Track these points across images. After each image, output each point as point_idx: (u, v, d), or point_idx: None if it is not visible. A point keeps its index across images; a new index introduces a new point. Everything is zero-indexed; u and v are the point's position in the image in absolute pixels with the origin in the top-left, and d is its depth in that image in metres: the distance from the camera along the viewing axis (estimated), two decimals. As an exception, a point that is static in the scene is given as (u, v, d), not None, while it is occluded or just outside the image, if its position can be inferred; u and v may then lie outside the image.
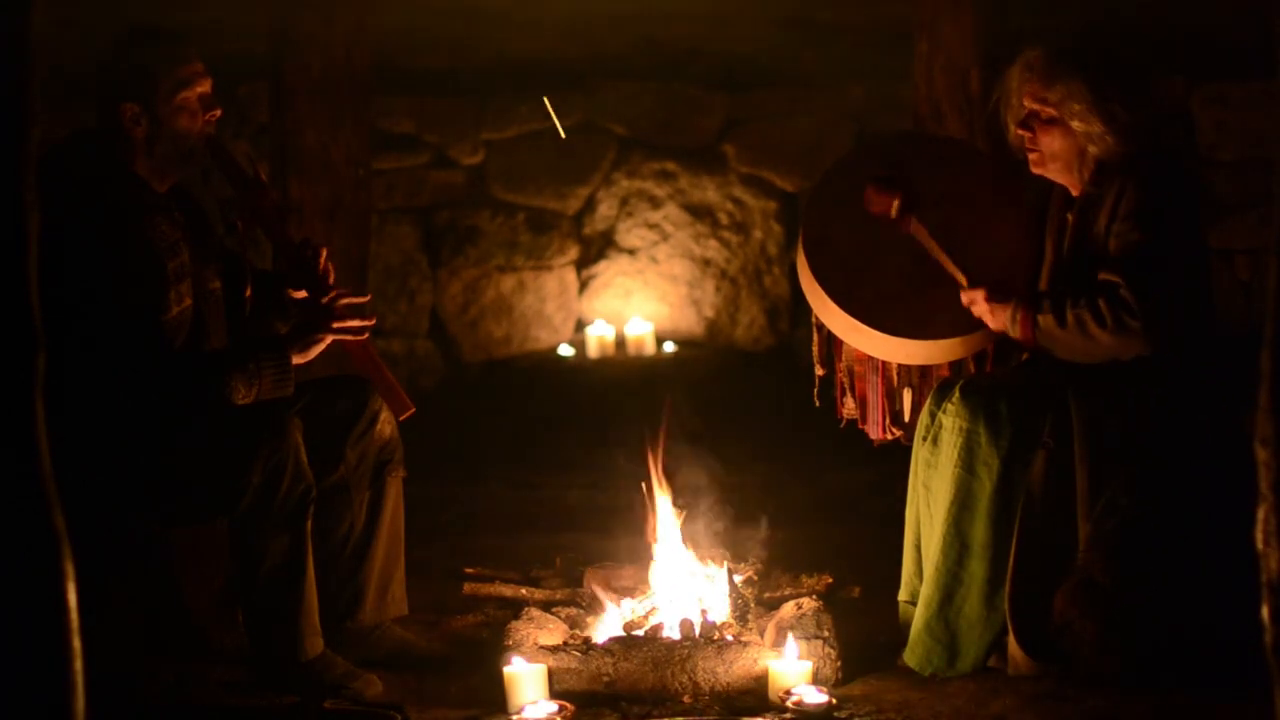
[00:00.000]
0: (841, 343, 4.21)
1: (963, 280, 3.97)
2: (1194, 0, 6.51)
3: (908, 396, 4.18)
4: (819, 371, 4.29)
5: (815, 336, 4.28)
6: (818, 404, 4.32)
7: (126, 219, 3.77)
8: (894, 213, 4.05)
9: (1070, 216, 4.00)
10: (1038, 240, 4.10)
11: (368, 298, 4.06)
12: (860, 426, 4.27)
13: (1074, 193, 4.00)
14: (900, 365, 4.17)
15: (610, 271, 7.78)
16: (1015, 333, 3.89)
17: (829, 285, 4.07)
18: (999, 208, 4.13)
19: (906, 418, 4.16)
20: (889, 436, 4.23)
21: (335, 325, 3.94)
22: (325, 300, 3.97)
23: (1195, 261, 3.88)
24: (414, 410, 4.06)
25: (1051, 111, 3.91)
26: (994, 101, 4.12)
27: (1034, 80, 3.94)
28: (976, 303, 3.95)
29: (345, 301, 3.97)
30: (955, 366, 4.15)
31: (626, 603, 4.21)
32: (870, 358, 4.18)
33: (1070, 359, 3.85)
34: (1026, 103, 3.96)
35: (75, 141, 3.90)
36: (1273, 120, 6.66)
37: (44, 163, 2.32)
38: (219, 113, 3.92)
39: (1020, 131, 3.98)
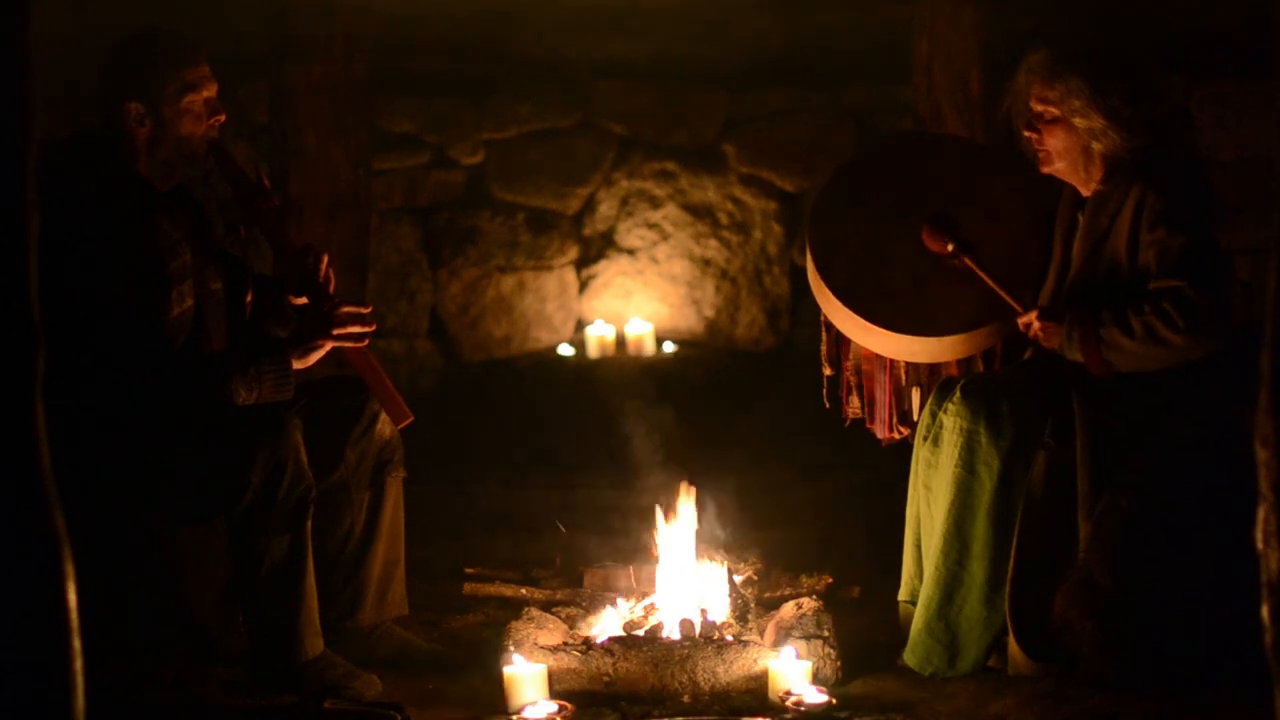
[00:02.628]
0: (849, 342, 4.21)
1: (1018, 309, 3.96)
2: (1194, 0, 6.51)
3: (916, 395, 4.18)
4: (827, 371, 4.30)
5: (824, 336, 4.28)
6: (827, 404, 4.32)
7: (128, 219, 3.77)
8: (948, 250, 4.05)
9: (1080, 217, 4.00)
10: (1045, 239, 4.10)
11: (369, 308, 4.06)
12: (867, 426, 4.27)
13: (1084, 193, 4.00)
14: (908, 363, 4.18)
15: (610, 271, 7.78)
16: (1074, 352, 3.84)
17: (836, 284, 4.08)
18: (1005, 206, 4.14)
19: (915, 416, 4.16)
20: (896, 435, 4.23)
21: (336, 332, 3.94)
22: (326, 308, 3.97)
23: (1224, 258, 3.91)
24: (412, 419, 4.05)
25: (1054, 110, 3.92)
26: (1004, 108, 4.12)
27: (1037, 81, 3.95)
28: (1032, 326, 3.93)
29: (347, 310, 3.97)
30: (963, 364, 4.15)
31: (626, 602, 4.21)
32: (878, 356, 4.18)
33: (1135, 369, 3.81)
34: (1031, 104, 3.96)
35: (77, 141, 3.90)
36: (1273, 120, 6.66)
37: (45, 162, 2.31)
38: (223, 117, 3.92)
39: (1027, 133, 3.99)
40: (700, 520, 4.32)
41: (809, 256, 4.15)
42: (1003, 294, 3.98)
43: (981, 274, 4.00)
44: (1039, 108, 3.95)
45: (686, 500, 4.26)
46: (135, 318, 3.73)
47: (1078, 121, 3.90)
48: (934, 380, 4.14)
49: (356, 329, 3.97)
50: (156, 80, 3.82)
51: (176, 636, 4.07)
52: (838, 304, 4.07)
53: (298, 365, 3.90)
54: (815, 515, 5.84)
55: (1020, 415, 3.83)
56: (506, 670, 3.71)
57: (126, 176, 3.85)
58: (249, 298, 4.11)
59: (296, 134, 5.81)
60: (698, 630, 3.93)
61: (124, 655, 3.87)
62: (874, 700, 3.75)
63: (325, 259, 4.06)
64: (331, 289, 4.04)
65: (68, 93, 4.30)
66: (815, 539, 5.40)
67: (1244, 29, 6.50)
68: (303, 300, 4.06)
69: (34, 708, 2.21)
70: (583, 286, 7.79)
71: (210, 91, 3.88)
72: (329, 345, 3.95)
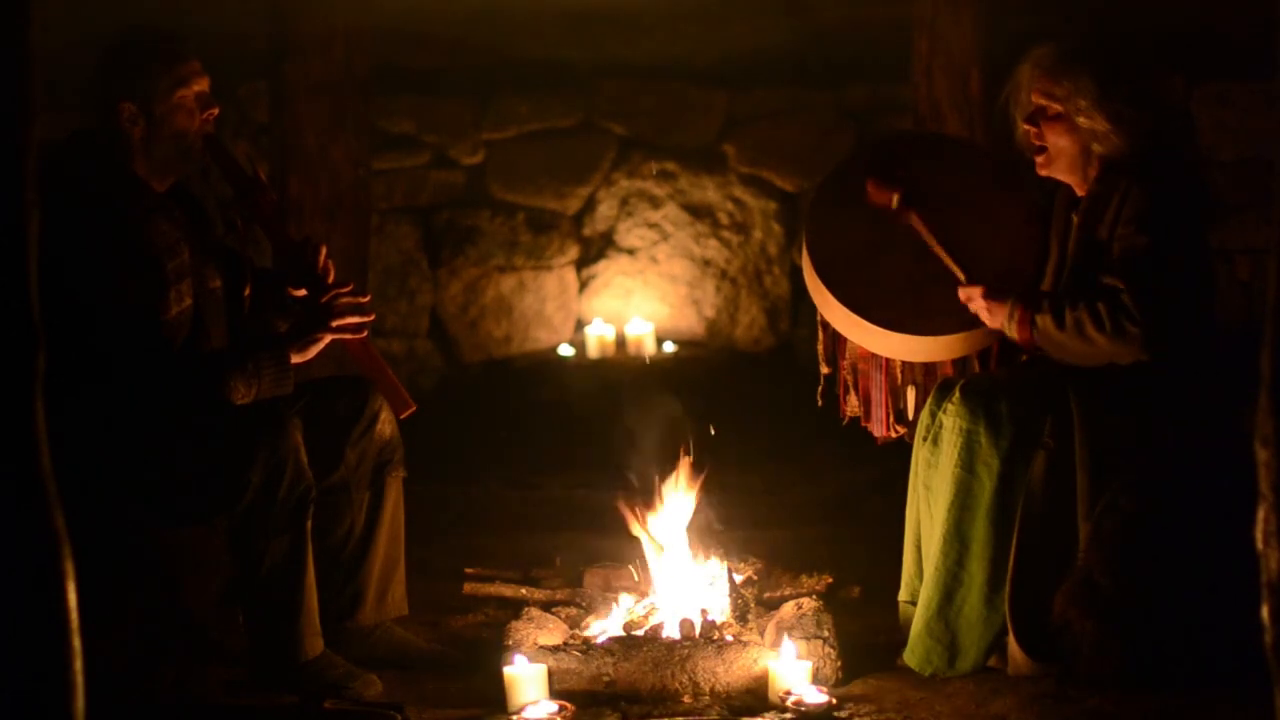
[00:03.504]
0: (846, 341, 4.21)
1: (961, 276, 3.97)
2: (1194, 0, 6.51)
3: (912, 394, 4.18)
4: (824, 370, 4.29)
5: (820, 335, 4.28)
6: (821, 403, 4.32)
7: (126, 220, 3.77)
8: (894, 205, 4.04)
9: (1075, 217, 4.00)
10: (1041, 240, 4.10)
11: (368, 297, 4.06)
12: (863, 425, 4.27)
13: (1079, 193, 4.00)
14: (904, 363, 4.18)
15: (610, 271, 7.78)
16: (1012, 331, 3.88)
17: (832, 282, 4.08)
18: (1002, 207, 4.13)
19: (911, 415, 4.16)
20: (893, 435, 4.23)
21: (334, 324, 3.94)
22: (324, 299, 3.97)
23: (1199, 266, 3.88)
24: (415, 408, 4.06)
25: (1058, 107, 3.91)
26: (1003, 99, 4.11)
27: (1042, 76, 3.94)
28: (974, 299, 3.94)
29: (345, 300, 3.97)
30: (959, 364, 4.15)
31: (626, 602, 4.21)
32: (874, 355, 4.18)
33: (1065, 360, 3.85)
34: (1034, 98, 3.96)
35: (75, 142, 3.90)
36: (1273, 120, 6.66)
37: (44, 164, 2.32)
38: (216, 111, 3.92)
39: (1027, 126, 3.98)
40: (699, 519, 4.32)
41: (805, 254, 4.15)
42: (946, 259, 3.97)
43: (926, 233, 3.99)
44: (1042, 102, 3.94)
45: (684, 500, 4.26)
46: (133, 318, 3.74)
47: (1081, 121, 3.89)
48: (930, 380, 4.14)
49: (355, 320, 3.97)
50: (146, 79, 3.83)
51: (176, 636, 4.07)
52: (834, 302, 4.07)
53: (297, 359, 3.90)
54: (815, 515, 5.84)
55: (1020, 415, 3.83)
56: (506, 670, 3.71)
57: (124, 177, 3.85)
58: (247, 291, 4.12)
59: (296, 134, 5.82)
60: (698, 630, 3.93)
61: (124, 655, 3.87)
62: (874, 700, 3.75)
63: (324, 251, 4.06)
64: (330, 280, 4.03)
65: (69, 94, 4.30)
66: (815, 539, 5.40)
67: (1244, 29, 6.50)
68: (302, 292, 4.06)
69: (34, 708, 2.21)
70: (583, 286, 7.80)
71: (201, 85, 3.88)
72: (328, 337, 3.95)
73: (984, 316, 3.94)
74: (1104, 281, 3.81)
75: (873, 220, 4.13)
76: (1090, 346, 3.79)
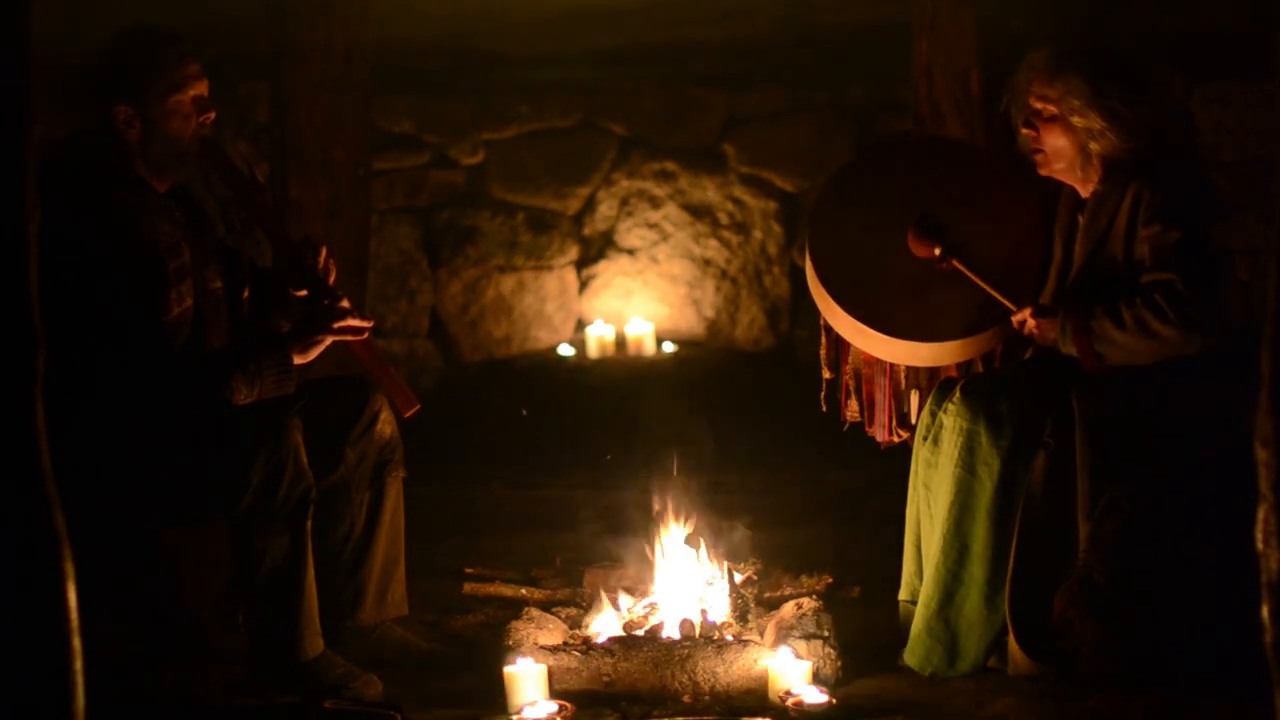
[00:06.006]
0: (849, 345, 4.21)
1: (1011, 306, 3.96)
2: (1194, 0, 6.51)
3: (915, 398, 4.19)
4: (826, 375, 4.29)
5: (823, 339, 4.28)
6: (825, 408, 4.32)
7: (126, 220, 3.77)
8: (936, 254, 4.04)
9: (1080, 218, 4.00)
10: (1045, 239, 4.10)
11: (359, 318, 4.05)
12: (866, 430, 4.27)
13: (1083, 194, 4.01)
14: (908, 367, 4.17)
15: (610, 271, 7.78)
16: (1068, 345, 3.85)
17: (835, 288, 4.08)
18: (1005, 207, 4.14)
19: (914, 419, 4.16)
20: (896, 439, 4.23)
21: (335, 325, 3.94)
22: (327, 301, 3.97)
23: (1222, 257, 3.92)
24: (420, 407, 4.06)
25: (1053, 109, 3.93)
26: (1004, 104, 4.13)
27: (1036, 79, 3.95)
28: (1027, 323, 3.93)
29: (345, 303, 3.97)
30: (962, 365, 4.15)
31: (626, 602, 4.21)
32: (878, 360, 4.18)
33: (1127, 361, 3.82)
34: (1030, 101, 3.97)
35: (75, 142, 3.90)
36: (1273, 120, 6.65)
37: (44, 163, 2.32)
38: (213, 115, 3.91)
39: (1025, 130, 3.99)
40: (699, 520, 4.32)
41: (808, 260, 4.15)
42: (994, 293, 3.98)
43: (971, 275, 4.00)
44: (1038, 105, 3.96)
45: (685, 500, 4.26)
46: (135, 318, 3.73)
47: (1076, 121, 3.91)
48: (933, 383, 4.14)
49: (355, 322, 3.97)
50: (142, 82, 3.82)
51: (176, 636, 4.07)
52: (837, 308, 4.07)
53: (298, 360, 3.90)
54: (815, 515, 5.84)
55: (1020, 415, 3.83)
56: (506, 670, 3.71)
57: (125, 177, 3.85)
58: (246, 294, 4.12)
59: (296, 134, 5.81)
60: (698, 630, 3.93)
61: (124, 655, 3.87)
62: (874, 700, 3.75)
63: (324, 251, 4.06)
64: (332, 280, 4.03)
65: (68, 92, 4.30)
66: (815, 539, 5.40)
67: (1244, 29, 6.50)
68: (303, 293, 4.06)
69: (34, 708, 2.21)
70: (583, 286, 7.79)
71: (197, 89, 3.87)
72: (329, 339, 3.95)
73: (1037, 337, 3.92)
74: (1149, 279, 3.80)
75: (875, 226, 4.13)
76: (1154, 341, 3.77)
